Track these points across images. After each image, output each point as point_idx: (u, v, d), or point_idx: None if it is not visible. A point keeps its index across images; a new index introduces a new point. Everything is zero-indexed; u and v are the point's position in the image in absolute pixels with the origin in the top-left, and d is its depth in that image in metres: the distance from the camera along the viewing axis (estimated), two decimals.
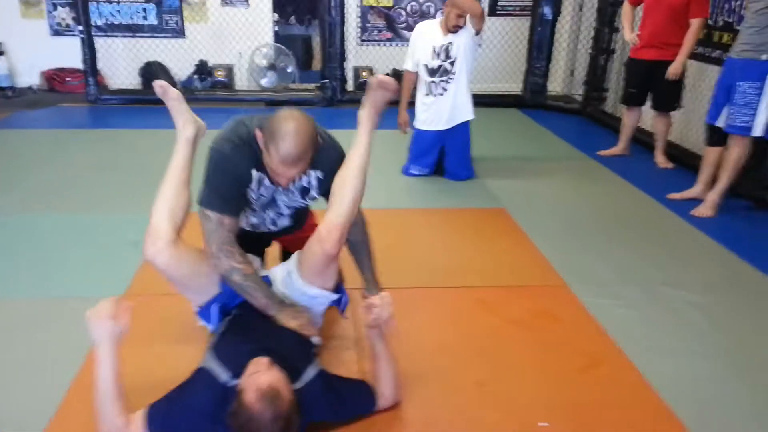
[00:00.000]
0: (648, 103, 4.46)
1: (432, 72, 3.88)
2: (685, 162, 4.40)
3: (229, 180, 1.87)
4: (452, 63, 3.83)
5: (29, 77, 6.53)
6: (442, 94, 3.90)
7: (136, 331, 2.22)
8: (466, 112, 3.98)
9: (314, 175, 1.98)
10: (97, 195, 3.63)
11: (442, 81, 3.88)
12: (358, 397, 1.83)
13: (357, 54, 6.78)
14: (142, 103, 5.96)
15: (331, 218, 1.85)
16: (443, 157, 4.08)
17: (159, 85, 2.08)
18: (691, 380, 2.08)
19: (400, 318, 2.15)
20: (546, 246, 3.07)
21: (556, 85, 6.81)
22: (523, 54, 6.40)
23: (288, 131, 1.72)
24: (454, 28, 3.75)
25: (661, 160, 4.48)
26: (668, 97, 4.31)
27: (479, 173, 4.17)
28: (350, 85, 6.55)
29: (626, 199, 3.82)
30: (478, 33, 3.77)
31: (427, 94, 3.95)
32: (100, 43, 6.10)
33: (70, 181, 3.86)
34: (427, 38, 3.86)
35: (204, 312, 1.99)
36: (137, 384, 1.80)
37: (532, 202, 3.72)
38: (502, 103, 6.35)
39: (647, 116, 4.70)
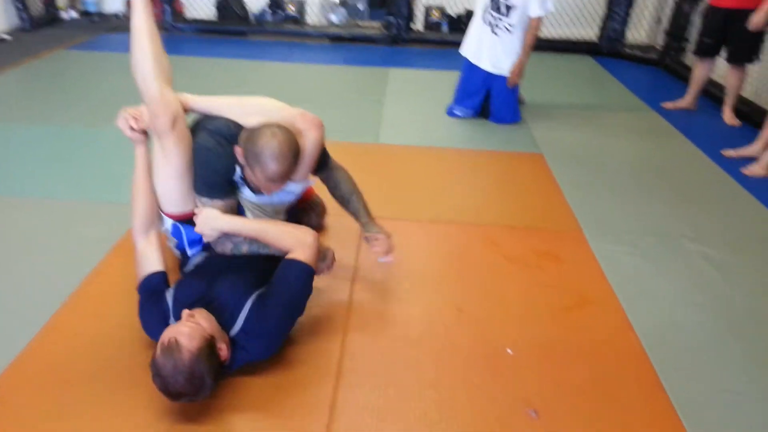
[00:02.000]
0: (723, 55, 4.15)
1: (491, 1, 3.75)
2: (756, 120, 4.05)
3: (211, 170, 1.83)
4: (508, 8, 3.70)
5: (114, 4, 6.89)
6: (493, 32, 3.79)
7: None
8: (507, 68, 3.87)
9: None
10: None
11: (491, 17, 3.76)
12: (294, 292, 1.73)
13: None
14: (213, 33, 6.18)
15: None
16: (489, 99, 4.01)
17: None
18: (679, 329, 2.05)
19: (400, 247, 2.23)
20: (574, 194, 3.01)
21: (640, 33, 6.38)
22: None
23: (273, 153, 1.67)
24: None
25: (728, 116, 4.19)
26: (745, 48, 3.98)
27: (528, 119, 4.08)
28: (420, 26, 6.46)
29: (677, 154, 3.62)
30: None
31: (482, 17, 3.83)
32: None
33: (133, 100, 4.11)
34: None
35: (178, 232, 1.95)
36: None
37: (574, 150, 3.61)
38: (575, 49, 6.07)
39: (722, 69, 4.37)
